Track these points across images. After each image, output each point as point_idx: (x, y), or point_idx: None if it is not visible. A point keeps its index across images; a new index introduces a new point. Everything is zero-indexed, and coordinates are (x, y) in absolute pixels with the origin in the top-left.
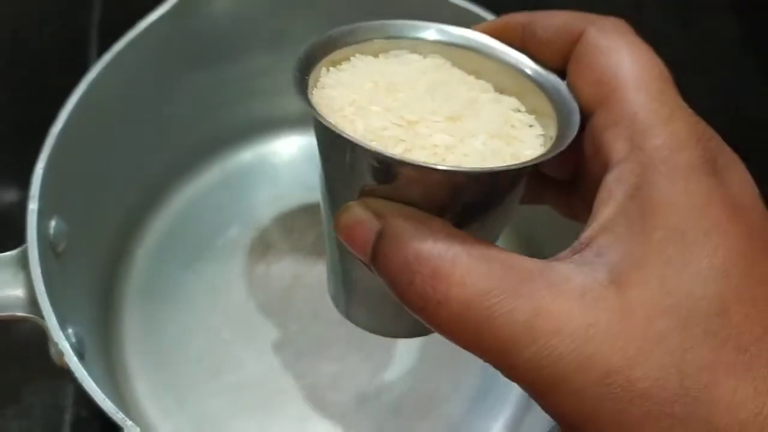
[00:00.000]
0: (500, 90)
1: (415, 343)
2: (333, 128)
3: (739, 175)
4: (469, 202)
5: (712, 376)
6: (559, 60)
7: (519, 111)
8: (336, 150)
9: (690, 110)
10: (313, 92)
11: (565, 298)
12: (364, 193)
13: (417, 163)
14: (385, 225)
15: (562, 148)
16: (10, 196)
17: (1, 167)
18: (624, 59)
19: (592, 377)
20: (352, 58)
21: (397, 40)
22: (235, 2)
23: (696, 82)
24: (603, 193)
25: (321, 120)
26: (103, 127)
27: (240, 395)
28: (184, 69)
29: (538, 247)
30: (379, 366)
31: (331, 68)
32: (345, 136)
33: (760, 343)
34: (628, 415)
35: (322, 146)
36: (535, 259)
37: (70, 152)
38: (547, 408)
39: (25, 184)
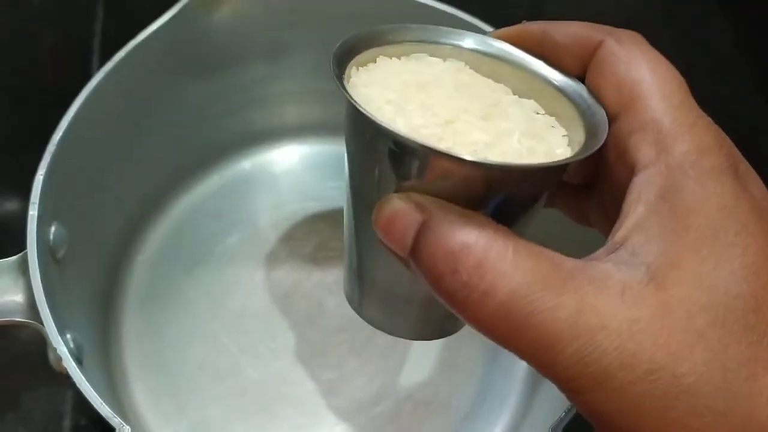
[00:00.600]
0: (518, 94)
1: (413, 349)
2: (380, 123)
3: (757, 182)
4: (507, 199)
5: (752, 370)
6: (579, 67)
7: (539, 113)
8: (375, 144)
9: (709, 119)
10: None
11: (608, 294)
12: (402, 189)
13: (472, 160)
14: (430, 217)
15: (599, 145)
16: (10, 203)
17: (2, 175)
18: (644, 69)
19: (636, 374)
20: (377, 59)
21: (417, 44)
22: (233, 13)
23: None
24: (632, 195)
25: (366, 114)
26: (104, 134)
27: (239, 401)
28: (184, 78)
29: None
30: (377, 372)
31: (360, 68)
32: (395, 131)
33: None
34: (673, 411)
35: (357, 142)
36: (574, 259)
37: (70, 159)
38: (585, 407)
39: (25, 191)
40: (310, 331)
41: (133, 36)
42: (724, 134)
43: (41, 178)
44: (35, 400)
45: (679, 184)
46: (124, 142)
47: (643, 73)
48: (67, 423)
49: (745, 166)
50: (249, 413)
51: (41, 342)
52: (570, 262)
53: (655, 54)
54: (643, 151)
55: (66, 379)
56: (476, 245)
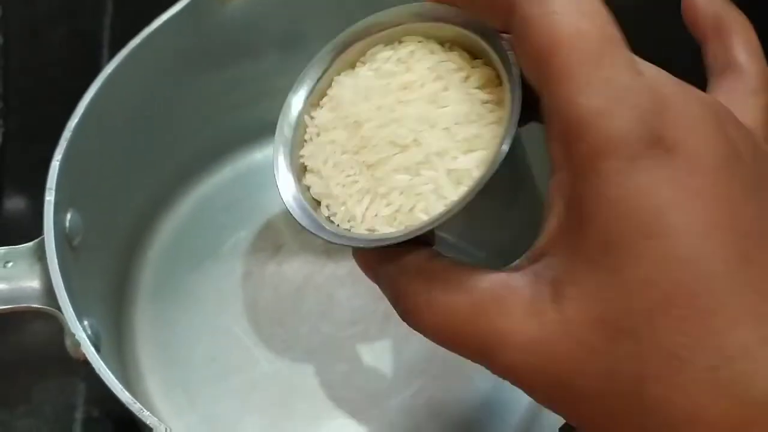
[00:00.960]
0: (472, 63)
1: (426, 343)
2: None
3: (703, 138)
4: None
5: (641, 384)
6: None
7: (487, 103)
8: None
9: (636, 70)
10: (303, 144)
11: (511, 314)
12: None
13: (354, 245)
14: (376, 275)
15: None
16: (21, 198)
17: (13, 170)
18: (555, 28)
19: (540, 387)
20: (333, 83)
21: (373, 36)
22: (245, 3)
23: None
24: (548, 200)
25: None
26: (117, 123)
27: (251, 394)
28: (197, 68)
29: None
30: (390, 366)
31: (315, 104)
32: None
33: (685, 350)
34: (574, 420)
35: None
36: (494, 274)
37: (85, 147)
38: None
39: (35, 187)
40: (322, 323)
41: (143, 28)
42: (652, 90)
43: (57, 164)
44: (47, 392)
45: (579, 194)
46: (136, 131)
47: (554, 34)
48: (79, 415)
49: (682, 134)
50: (261, 406)
51: (52, 335)
52: (486, 284)
53: (587, 6)
54: (553, 150)
55: (79, 369)
56: (407, 294)
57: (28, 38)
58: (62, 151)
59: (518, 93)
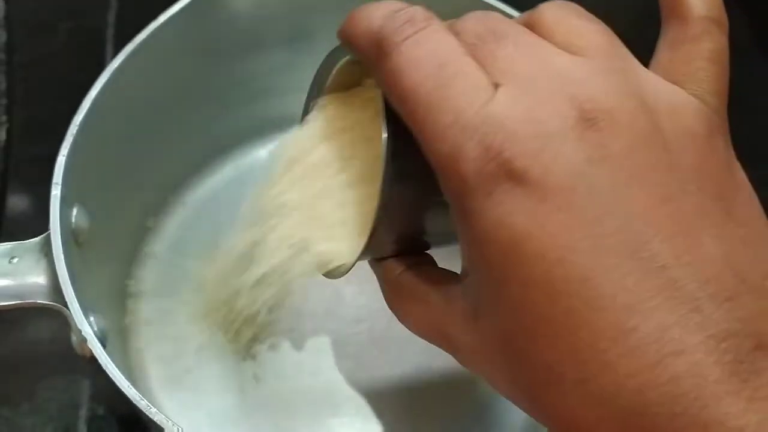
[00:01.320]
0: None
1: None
2: None
3: (550, 160)
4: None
5: (533, 393)
6: None
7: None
8: None
9: (480, 101)
10: None
11: (457, 326)
12: None
13: None
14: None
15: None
16: (26, 195)
17: (18, 166)
18: (400, 84)
19: (486, 382)
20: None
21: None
22: None
23: None
24: None
25: None
26: (123, 118)
27: (257, 391)
28: (203, 64)
29: None
30: (396, 362)
31: None
32: None
33: (558, 366)
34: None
35: None
36: (443, 286)
37: (92, 142)
38: None
39: (41, 182)
40: (326, 322)
41: (147, 26)
42: (495, 131)
43: (63, 159)
44: (51, 390)
45: (458, 228)
46: (142, 127)
47: (405, 94)
48: (83, 413)
49: (529, 162)
50: (265, 403)
51: (57, 332)
52: (436, 295)
53: (424, 48)
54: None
55: (84, 367)
56: (389, 303)
57: (32, 34)
58: (68, 146)
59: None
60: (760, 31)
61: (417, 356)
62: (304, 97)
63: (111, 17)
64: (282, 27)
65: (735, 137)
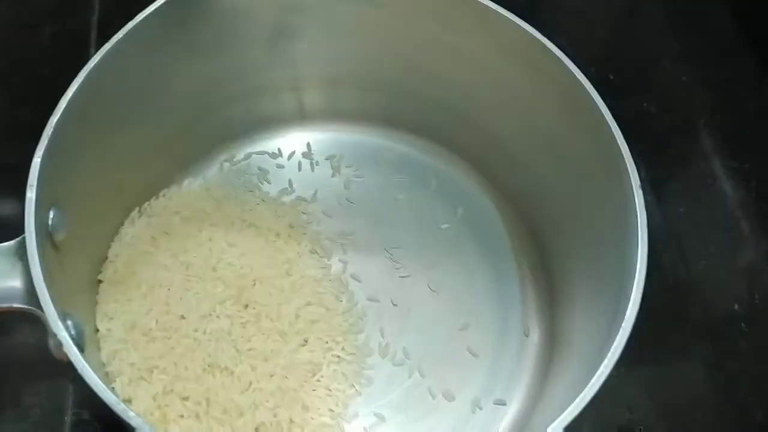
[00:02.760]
0: None
1: (423, 337)
2: None
3: None
4: None
5: None
6: None
7: None
8: None
9: None
10: None
11: None
12: None
13: None
14: None
15: None
16: (7, 198)
17: (2, 166)
18: None
19: None
20: None
21: None
22: None
23: (695, 75)
24: None
25: None
26: (103, 119)
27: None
28: (184, 62)
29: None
30: (388, 361)
31: None
32: None
33: None
34: None
35: None
36: None
37: (69, 143)
38: None
39: (23, 186)
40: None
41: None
42: None
43: (38, 161)
44: (35, 395)
45: None
46: (123, 127)
47: None
48: (68, 418)
49: None
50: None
51: (41, 337)
52: None
53: None
54: None
55: (68, 371)
56: None
57: (16, 37)
58: (44, 148)
59: None
60: (744, 22)
61: (407, 355)
62: (287, 95)
63: (94, 19)
64: (264, 24)
65: (726, 134)
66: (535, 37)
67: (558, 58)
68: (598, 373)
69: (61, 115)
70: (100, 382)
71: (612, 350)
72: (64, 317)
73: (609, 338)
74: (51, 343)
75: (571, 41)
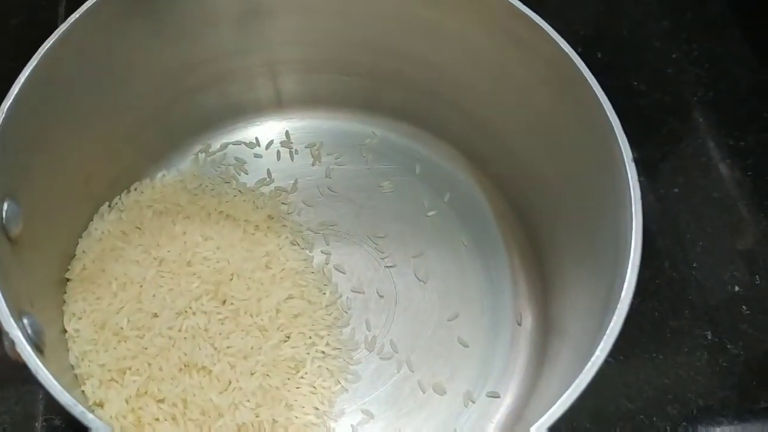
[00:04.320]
0: None
1: (415, 331)
2: None
3: None
4: None
5: None
6: None
7: None
8: None
9: None
10: None
11: None
12: None
13: None
14: None
15: None
16: None
17: None
18: None
19: None
20: None
21: None
22: None
23: (685, 51)
24: None
25: None
26: (62, 106)
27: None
28: (149, 45)
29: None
30: (377, 355)
31: None
32: None
33: None
34: None
35: None
36: None
37: (25, 131)
38: None
39: None
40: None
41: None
42: None
43: None
44: (4, 401)
45: None
46: (87, 114)
47: None
48: (38, 424)
49: None
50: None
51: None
52: None
53: None
54: None
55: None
56: None
57: None
58: None
59: None
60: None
61: (397, 349)
62: (264, 83)
63: (62, 10)
64: (233, 5)
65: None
66: (521, 11)
67: (544, 30)
68: (593, 358)
69: (13, 100)
70: (56, 383)
71: (607, 334)
72: (20, 316)
73: (604, 322)
74: (5, 342)
75: (557, 18)
